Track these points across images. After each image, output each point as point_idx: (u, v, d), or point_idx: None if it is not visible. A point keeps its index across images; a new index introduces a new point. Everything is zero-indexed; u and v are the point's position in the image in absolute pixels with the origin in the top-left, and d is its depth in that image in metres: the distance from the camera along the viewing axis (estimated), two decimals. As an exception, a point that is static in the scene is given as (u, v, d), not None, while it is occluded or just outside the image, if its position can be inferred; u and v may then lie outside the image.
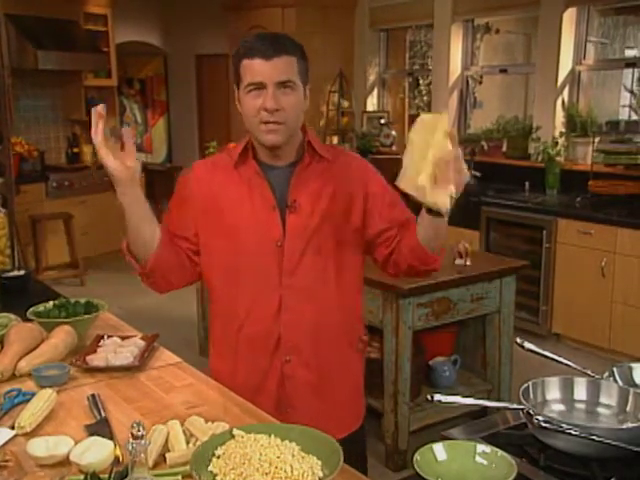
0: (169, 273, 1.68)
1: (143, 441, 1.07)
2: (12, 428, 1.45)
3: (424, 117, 1.44)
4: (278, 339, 1.68)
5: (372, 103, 6.75)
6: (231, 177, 1.68)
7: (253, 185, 1.66)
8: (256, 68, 1.56)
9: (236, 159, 1.68)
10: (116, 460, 1.29)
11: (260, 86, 1.56)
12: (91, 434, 1.41)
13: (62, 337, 1.83)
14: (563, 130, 5.16)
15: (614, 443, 1.29)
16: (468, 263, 3.21)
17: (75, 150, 7.04)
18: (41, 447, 1.33)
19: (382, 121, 6.54)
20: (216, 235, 1.68)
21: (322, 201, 1.66)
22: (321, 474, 1.20)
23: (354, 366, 1.82)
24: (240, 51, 1.60)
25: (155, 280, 1.68)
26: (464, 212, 4.98)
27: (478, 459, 1.28)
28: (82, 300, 2.07)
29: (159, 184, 8.15)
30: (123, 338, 1.92)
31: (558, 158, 5.03)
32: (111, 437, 1.40)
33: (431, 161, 1.39)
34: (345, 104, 6.36)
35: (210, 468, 1.21)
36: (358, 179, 1.71)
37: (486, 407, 2.24)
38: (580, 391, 1.54)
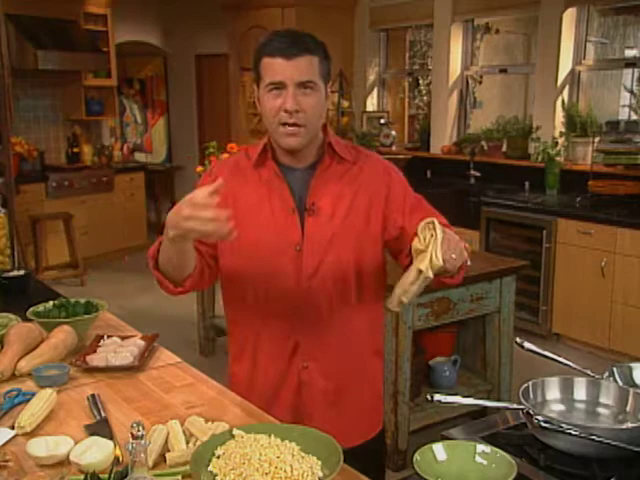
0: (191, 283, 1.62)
1: (143, 441, 1.07)
2: (12, 428, 1.45)
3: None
4: (296, 344, 1.64)
5: (372, 103, 6.75)
6: (251, 178, 1.64)
7: (272, 187, 1.61)
8: (277, 67, 1.51)
9: (255, 160, 1.63)
10: (116, 460, 1.29)
11: (280, 86, 1.52)
12: (91, 434, 1.41)
13: (62, 337, 1.82)
14: (563, 130, 5.16)
15: (614, 443, 1.29)
16: (468, 263, 3.20)
17: (75, 150, 7.04)
18: (41, 447, 1.33)
19: (382, 121, 6.54)
20: (239, 238, 1.59)
21: (342, 205, 1.61)
22: (321, 474, 1.20)
23: (374, 373, 1.78)
24: (260, 49, 1.55)
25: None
26: (464, 212, 5.03)
27: (478, 459, 1.28)
28: (82, 300, 2.07)
29: (159, 184, 8.17)
30: (123, 338, 1.91)
31: (558, 158, 5.03)
32: (111, 437, 1.40)
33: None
34: (345, 104, 6.35)
35: (210, 468, 1.21)
36: (379, 182, 1.66)
37: (486, 407, 2.24)
38: (580, 391, 1.54)
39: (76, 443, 1.35)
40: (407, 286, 1.40)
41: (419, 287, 1.40)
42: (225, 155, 3.97)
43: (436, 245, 1.38)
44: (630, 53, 5.88)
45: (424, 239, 1.39)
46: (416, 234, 1.41)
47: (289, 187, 1.61)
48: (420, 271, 1.38)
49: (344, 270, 1.61)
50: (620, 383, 1.58)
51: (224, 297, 1.75)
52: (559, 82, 5.16)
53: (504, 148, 5.62)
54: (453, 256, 1.40)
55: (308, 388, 1.67)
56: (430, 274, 1.37)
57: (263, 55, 1.54)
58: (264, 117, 1.59)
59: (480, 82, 6.17)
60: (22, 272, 2.56)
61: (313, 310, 1.62)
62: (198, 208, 1.33)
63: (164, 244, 1.48)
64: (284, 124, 1.54)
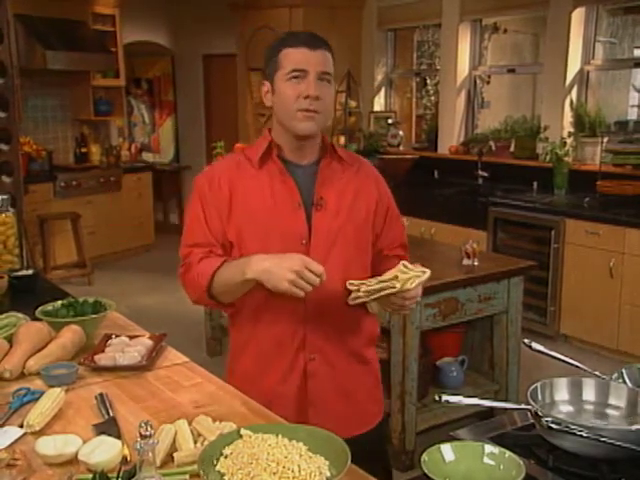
0: None
1: (151, 440, 1.08)
2: (21, 427, 1.45)
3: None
4: (304, 338, 1.68)
5: (379, 103, 6.74)
6: (254, 176, 1.67)
7: (278, 183, 1.66)
8: (301, 56, 1.59)
9: (259, 158, 1.67)
10: (124, 459, 1.29)
11: (302, 74, 1.59)
12: (99, 433, 1.41)
13: (70, 336, 1.83)
14: (571, 130, 5.14)
15: (623, 444, 1.29)
16: (476, 263, 3.21)
17: (83, 150, 7.07)
18: (50, 446, 1.34)
19: (389, 121, 6.53)
20: (246, 233, 1.66)
21: (347, 200, 1.69)
22: (328, 474, 1.20)
23: (372, 360, 1.84)
24: (281, 42, 1.63)
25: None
26: (472, 212, 5.01)
27: (486, 460, 1.28)
28: (90, 299, 2.07)
29: (166, 183, 8.18)
30: (131, 337, 1.92)
31: (566, 158, 5.01)
32: (119, 436, 1.41)
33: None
34: (352, 104, 6.35)
35: (218, 468, 1.21)
36: (372, 185, 1.76)
37: (493, 408, 2.24)
38: (589, 392, 1.53)
39: (84, 442, 1.36)
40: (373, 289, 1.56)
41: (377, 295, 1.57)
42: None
43: (419, 280, 1.52)
44: (639, 53, 5.85)
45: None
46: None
47: (295, 183, 1.66)
48: (396, 277, 1.52)
49: (348, 264, 1.67)
50: (629, 384, 1.58)
51: None
52: (567, 82, 5.15)
53: (512, 148, 5.60)
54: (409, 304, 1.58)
55: (314, 378, 1.70)
56: (398, 286, 1.52)
57: (284, 47, 1.62)
58: (280, 106, 1.64)
59: (488, 82, 6.15)
60: (30, 271, 2.57)
61: (320, 304, 1.65)
62: (312, 272, 1.46)
63: (233, 281, 1.58)
64: (304, 110, 1.59)
